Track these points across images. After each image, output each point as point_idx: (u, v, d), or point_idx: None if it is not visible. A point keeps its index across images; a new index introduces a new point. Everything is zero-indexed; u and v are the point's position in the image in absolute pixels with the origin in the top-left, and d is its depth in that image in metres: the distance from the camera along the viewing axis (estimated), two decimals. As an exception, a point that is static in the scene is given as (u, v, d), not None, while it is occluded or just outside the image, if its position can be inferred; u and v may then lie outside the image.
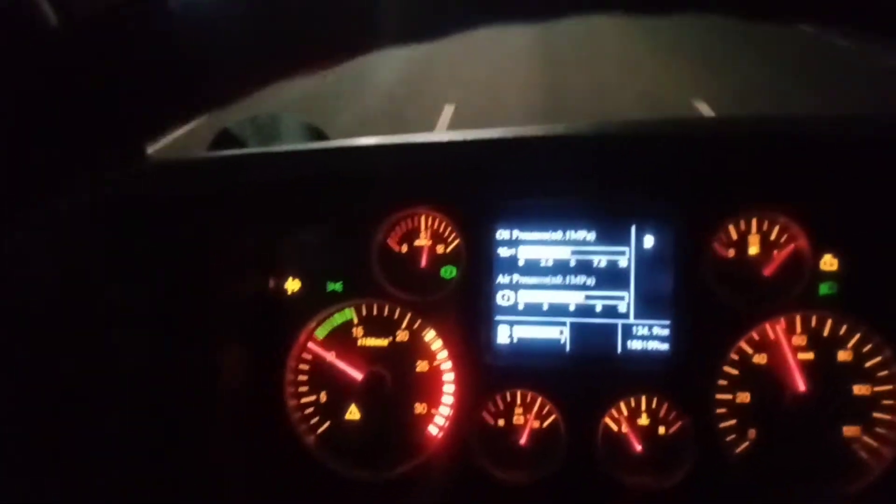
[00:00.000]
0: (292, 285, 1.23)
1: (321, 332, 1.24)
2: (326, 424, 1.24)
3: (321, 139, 1.47)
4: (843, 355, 1.15)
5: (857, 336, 1.14)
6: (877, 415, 1.14)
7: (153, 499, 1.00)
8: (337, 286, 1.22)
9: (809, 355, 1.16)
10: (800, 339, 1.16)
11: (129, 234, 0.98)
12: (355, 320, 1.23)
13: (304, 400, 1.24)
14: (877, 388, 1.14)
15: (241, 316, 1.18)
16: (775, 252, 1.16)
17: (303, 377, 1.24)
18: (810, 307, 1.15)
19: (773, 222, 1.16)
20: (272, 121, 1.60)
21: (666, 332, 1.19)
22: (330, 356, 1.23)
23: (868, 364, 1.14)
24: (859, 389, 1.15)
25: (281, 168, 1.14)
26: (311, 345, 1.24)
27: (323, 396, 1.24)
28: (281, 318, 1.22)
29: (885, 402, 1.14)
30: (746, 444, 1.17)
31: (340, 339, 1.23)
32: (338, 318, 1.24)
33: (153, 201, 1.00)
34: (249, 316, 1.19)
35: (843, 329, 1.15)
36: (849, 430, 1.15)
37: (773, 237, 1.16)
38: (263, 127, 1.56)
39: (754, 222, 1.16)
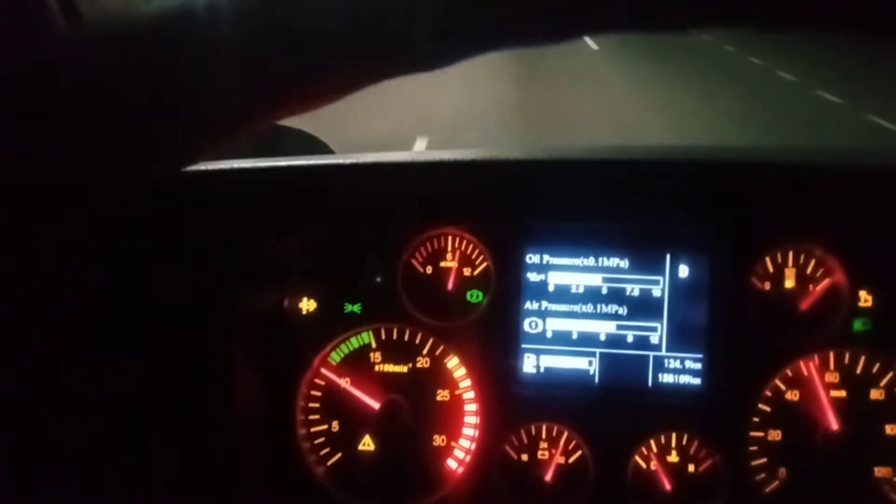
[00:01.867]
0: (308, 305, 1.15)
1: (336, 357, 1.16)
2: (338, 456, 1.16)
3: (325, 152, 1.40)
4: (876, 394, 1.13)
5: (891, 374, 1.12)
6: (908, 455, 1.12)
7: None
8: (355, 308, 1.15)
9: (842, 393, 1.13)
10: (832, 377, 1.13)
11: (148, 241, 0.90)
12: (373, 344, 1.16)
13: (314, 429, 1.16)
14: None
15: (254, 336, 1.10)
16: (811, 286, 1.13)
17: (314, 404, 1.16)
18: (844, 344, 1.12)
19: (809, 255, 1.13)
20: (275, 132, 1.52)
21: (698, 366, 1.15)
22: (344, 382, 1.16)
23: (900, 403, 1.12)
24: (891, 429, 1.12)
25: (304, 183, 1.07)
26: (324, 370, 1.16)
27: (335, 425, 1.16)
28: (294, 340, 1.14)
29: (917, 442, 1.12)
30: (776, 483, 1.13)
31: (356, 364, 1.16)
32: (355, 342, 1.16)
33: (175, 210, 0.92)
34: (262, 337, 1.11)
35: (877, 367, 1.12)
36: (880, 471, 1.12)
37: (809, 271, 1.13)
38: (267, 137, 1.48)
39: (791, 255, 1.13)
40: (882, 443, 1.12)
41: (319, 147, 1.51)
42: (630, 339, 1.15)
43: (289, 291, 1.14)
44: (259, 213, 1.05)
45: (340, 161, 1.07)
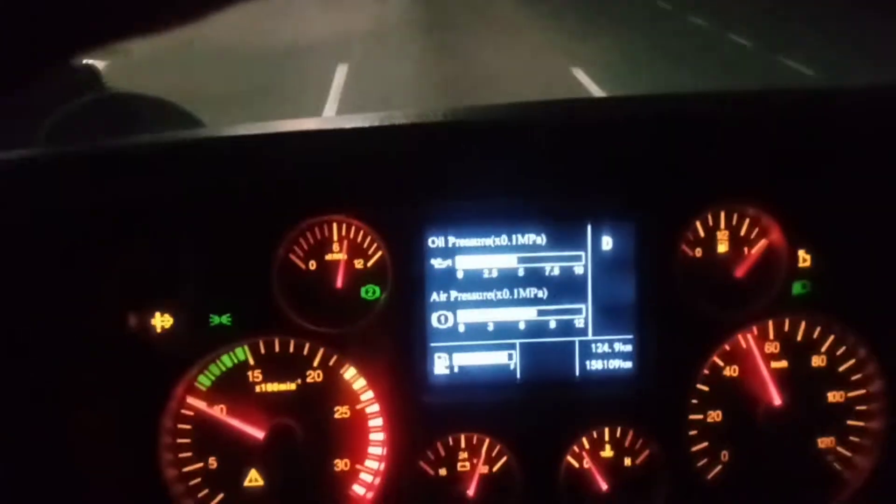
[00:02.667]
0: (162, 321, 0.93)
1: (205, 380, 0.95)
2: (220, 496, 0.96)
3: (193, 126, 1.15)
4: (817, 360, 1.04)
5: (832, 338, 1.03)
6: (850, 422, 1.04)
7: None
8: (224, 319, 0.94)
9: (782, 363, 1.03)
10: (772, 347, 1.03)
11: None
12: (251, 361, 0.96)
13: (187, 468, 0.95)
14: (850, 394, 1.04)
15: (99, 364, 0.87)
16: (746, 249, 1.01)
17: (184, 440, 0.95)
18: (783, 310, 1.02)
19: (742, 215, 1.01)
20: (124, 102, 1.26)
21: (629, 348, 1.01)
22: (219, 410, 0.95)
23: (841, 368, 1.04)
24: (833, 396, 1.04)
25: (145, 166, 0.84)
26: (191, 398, 0.95)
27: (213, 462, 0.96)
28: (149, 365, 0.92)
29: (858, 408, 1.04)
30: (719, 467, 1.03)
31: (231, 387, 0.95)
32: (227, 361, 0.95)
33: None
34: (109, 365, 0.88)
35: (817, 332, 1.03)
36: (823, 442, 1.04)
37: (742, 232, 1.01)
38: (113, 109, 1.22)
39: (722, 216, 1.01)
40: (825, 412, 1.03)
41: (186, 120, 1.25)
42: (553, 325, 1.00)
43: (134, 306, 0.91)
44: (86, 205, 0.82)
45: (189, 136, 0.84)
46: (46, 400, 0.85)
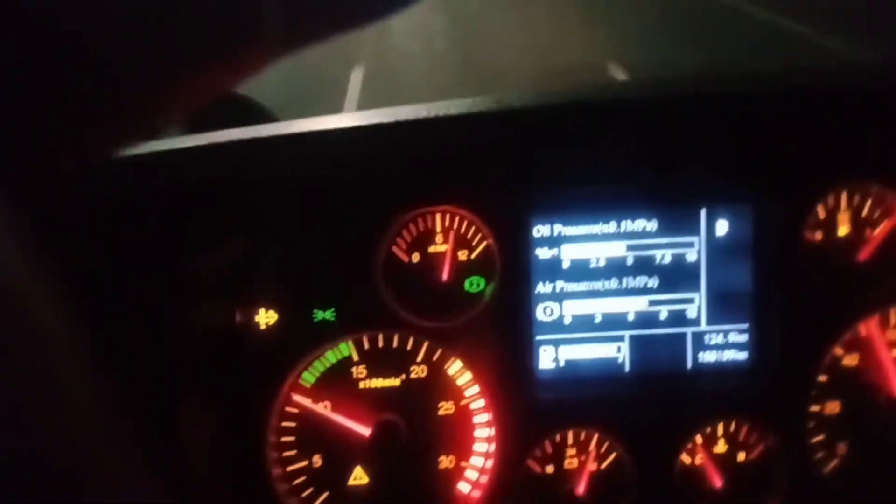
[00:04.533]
0: (266, 318, 0.90)
1: (309, 377, 0.92)
2: (325, 495, 0.94)
3: (267, 119, 1.12)
4: (943, 349, 0.98)
5: (959, 326, 0.97)
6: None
7: None
8: (327, 314, 0.91)
9: (906, 352, 0.97)
10: (894, 334, 0.97)
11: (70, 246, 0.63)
12: (355, 357, 0.93)
13: (292, 467, 0.93)
14: None
15: (205, 360, 0.85)
16: (868, 231, 0.95)
17: (289, 438, 0.93)
18: None
19: (865, 195, 0.95)
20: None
21: (744, 338, 0.97)
22: (323, 407, 0.93)
23: (970, 357, 0.97)
24: (961, 387, 0.98)
25: (246, 161, 0.81)
26: (296, 395, 0.92)
27: (317, 460, 0.94)
28: (254, 362, 0.90)
29: None
30: (836, 461, 0.98)
31: (336, 383, 0.93)
32: (331, 357, 0.92)
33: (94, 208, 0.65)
34: (214, 360, 0.86)
35: (944, 319, 0.97)
36: (950, 435, 0.98)
37: (865, 213, 0.95)
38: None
39: (844, 196, 0.95)
40: None
41: (257, 112, 1.22)
42: (664, 315, 0.96)
43: (240, 302, 0.89)
44: (191, 204, 0.79)
45: (292, 130, 0.81)
46: (156, 402, 0.83)
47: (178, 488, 0.86)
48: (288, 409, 0.92)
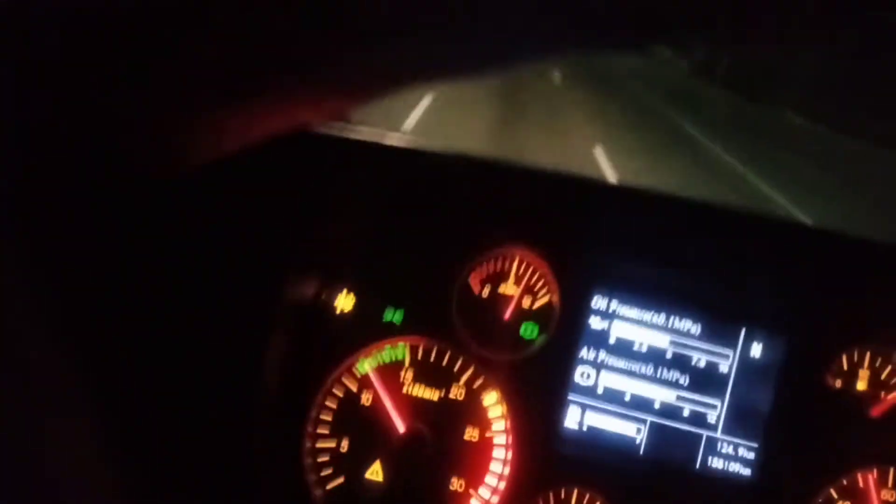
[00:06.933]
0: (344, 303, 1.00)
1: (363, 367, 1.01)
2: (340, 480, 1.00)
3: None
4: (933, 521, 1.04)
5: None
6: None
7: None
8: (396, 316, 1.01)
9: (896, 514, 1.04)
10: (889, 495, 1.04)
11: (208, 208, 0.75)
12: (407, 361, 1.02)
13: (320, 444, 1.00)
14: None
15: (288, 329, 0.94)
16: (883, 394, 1.05)
17: (326, 416, 1.01)
18: None
19: (886, 359, 1.05)
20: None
21: (752, 455, 1.04)
22: (365, 397, 1.01)
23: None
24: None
25: (378, 163, 0.94)
26: (346, 379, 1.01)
27: (345, 445, 1.01)
28: (322, 340, 0.99)
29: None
30: None
31: (384, 379, 1.01)
32: (387, 355, 1.02)
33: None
34: (294, 332, 0.95)
35: (937, 492, 1.04)
36: None
37: (883, 376, 1.05)
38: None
39: (868, 355, 1.05)
40: None
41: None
42: (686, 412, 1.04)
43: (330, 282, 0.99)
44: (323, 188, 0.91)
45: (428, 148, 0.94)
46: (239, 352, 0.88)
47: (235, 434, 0.90)
48: (335, 390, 1.01)
